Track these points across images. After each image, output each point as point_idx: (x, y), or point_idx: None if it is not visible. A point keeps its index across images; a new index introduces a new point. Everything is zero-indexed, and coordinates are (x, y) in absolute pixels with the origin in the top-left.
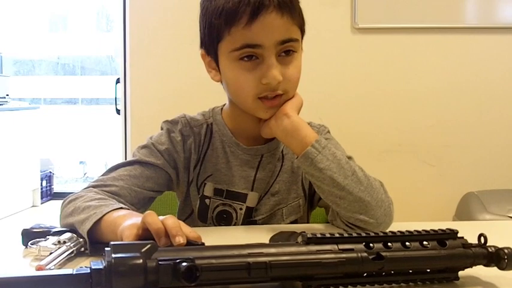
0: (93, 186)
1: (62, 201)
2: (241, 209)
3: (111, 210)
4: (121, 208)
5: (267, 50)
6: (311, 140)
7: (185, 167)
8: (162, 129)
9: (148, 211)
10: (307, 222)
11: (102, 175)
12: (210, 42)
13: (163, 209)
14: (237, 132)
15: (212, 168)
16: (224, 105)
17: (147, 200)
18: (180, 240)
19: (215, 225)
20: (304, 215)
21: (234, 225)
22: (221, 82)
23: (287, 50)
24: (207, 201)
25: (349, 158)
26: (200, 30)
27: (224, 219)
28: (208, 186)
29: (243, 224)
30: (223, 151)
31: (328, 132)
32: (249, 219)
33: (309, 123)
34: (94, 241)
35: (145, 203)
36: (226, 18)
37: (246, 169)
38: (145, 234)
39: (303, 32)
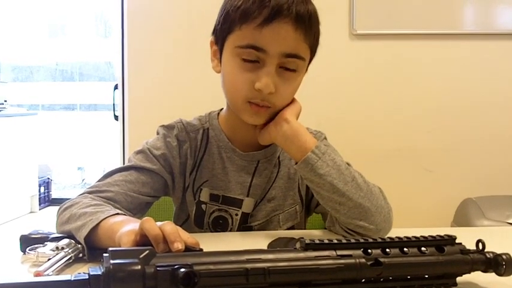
0: (89, 192)
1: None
2: (236, 214)
3: (107, 217)
4: (117, 214)
5: (270, 57)
6: (311, 146)
7: (181, 173)
8: (158, 133)
9: (146, 217)
10: (304, 229)
11: (97, 181)
12: (221, 32)
13: (160, 214)
14: (234, 137)
15: (208, 174)
16: (221, 109)
17: (143, 205)
18: (179, 246)
19: (211, 231)
20: (302, 221)
21: (230, 230)
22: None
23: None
24: (203, 206)
25: (348, 164)
26: (217, 18)
27: (220, 225)
28: (204, 191)
29: (238, 229)
30: (219, 156)
31: (325, 138)
32: (245, 225)
33: None
34: (91, 247)
35: (142, 209)
36: (242, 13)
37: (242, 175)
38: (143, 240)
39: (312, 53)
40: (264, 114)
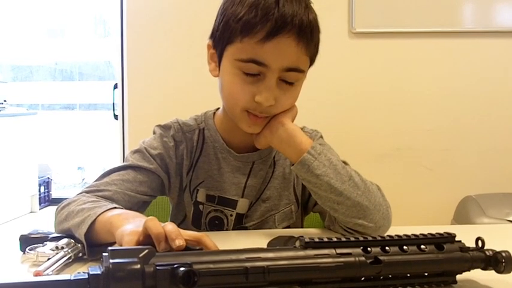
0: (86, 192)
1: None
2: (231, 215)
3: (105, 211)
4: (114, 208)
5: (271, 71)
6: (306, 147)
7: (177, 173)
8: (154, 133)
9: (150, 217)
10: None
11: (95, 180)
12: (220, 40)
13: (157, 213)
14: (229, 138)
15: (204, 175)
16: (217, 109)
17: (140, 204)
18: (180, 242)
19: (208, 231)
20: (298, 221)
21: (226, 231)
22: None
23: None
24: (200, 207)
25: (344, 163)
26: (215, 21)
27: (216, 225)
28: (201, 192)
29: (233, 230)
30: (215, 157)
31: (321, 137)
32: (240, 225)
33: (302, 128)
34: (90, 243)
35: (139, 208)
36: (243, 25)
37: (238, 176)
38: (145, 241)
39: (311, 63)
40: (262, 123)
